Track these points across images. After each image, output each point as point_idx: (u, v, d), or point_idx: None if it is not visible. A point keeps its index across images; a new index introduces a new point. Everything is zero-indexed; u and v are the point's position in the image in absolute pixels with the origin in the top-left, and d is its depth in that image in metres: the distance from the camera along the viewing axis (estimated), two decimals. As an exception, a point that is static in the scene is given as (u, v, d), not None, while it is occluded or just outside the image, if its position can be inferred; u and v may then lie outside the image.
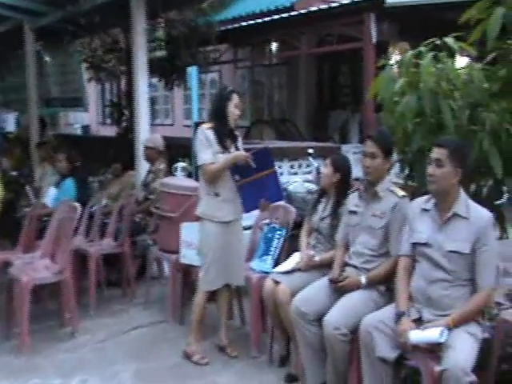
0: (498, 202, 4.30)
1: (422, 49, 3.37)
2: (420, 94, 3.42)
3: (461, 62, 3.62)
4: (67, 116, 16.36)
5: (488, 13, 3.23)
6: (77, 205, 4.19)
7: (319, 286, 3.17)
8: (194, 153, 4.32)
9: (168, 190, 4.41)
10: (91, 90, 12.93)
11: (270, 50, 10.93)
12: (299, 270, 3.40)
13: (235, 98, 3.56)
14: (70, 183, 5.31)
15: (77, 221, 4.18)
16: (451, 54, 3.51)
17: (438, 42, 3.35)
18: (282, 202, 4.05)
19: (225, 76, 12.59)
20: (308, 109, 11.32)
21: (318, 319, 3.00)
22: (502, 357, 2.98)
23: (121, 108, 9.29)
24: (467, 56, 3.52)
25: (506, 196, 5.42)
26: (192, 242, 3.93)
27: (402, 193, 3.11)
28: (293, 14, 8.82)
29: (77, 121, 16.60)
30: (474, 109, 3.49)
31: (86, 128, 16.48)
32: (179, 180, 4.53)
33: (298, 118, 11.29)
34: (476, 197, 3.77)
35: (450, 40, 3.31)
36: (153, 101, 12.47)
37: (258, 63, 12.04)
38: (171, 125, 14.12)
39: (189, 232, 3.98)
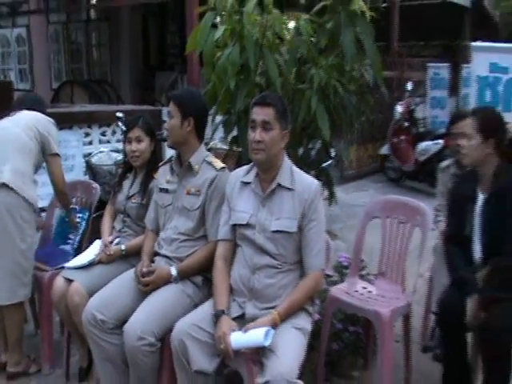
0: (324, 165, 4.11)
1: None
2: (244, 46, 3.05)
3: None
4: None
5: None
6: None
7: (121, 282, 2.54)
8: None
9: None
10: None
11: (88, 1, 9.77)
12: (100, 262, 2.73)
13: None
14: None
15: None
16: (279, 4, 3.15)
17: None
18: (83, 178, 3.31)
19: (35, 32, 10.96)
20: (133, 70, 10.45)
21: (121, 326, 2.37)
22: (331, 336, 2.79)
23: None
24: None
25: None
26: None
27: (220, 165, 2.57)
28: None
29: None
30: (301, 65, 3.25)
31: None
32: None
33: (122, 79, 10.38)
34: (303, 161, 3.52)
35: None
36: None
37: (74, 19, 10.71)
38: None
39: None
